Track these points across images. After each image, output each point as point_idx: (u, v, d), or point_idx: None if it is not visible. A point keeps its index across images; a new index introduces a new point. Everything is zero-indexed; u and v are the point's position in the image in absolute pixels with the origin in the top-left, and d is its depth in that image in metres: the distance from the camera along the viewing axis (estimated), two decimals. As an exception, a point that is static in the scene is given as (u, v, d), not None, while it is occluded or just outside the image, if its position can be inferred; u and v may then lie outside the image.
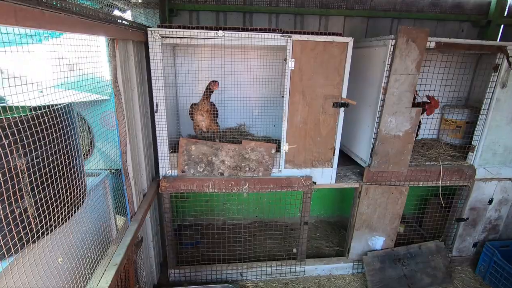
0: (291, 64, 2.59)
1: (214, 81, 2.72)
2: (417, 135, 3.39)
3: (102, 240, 1.95)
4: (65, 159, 1.45)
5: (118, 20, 1.98)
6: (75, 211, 1.59)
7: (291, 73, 2.62)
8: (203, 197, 3.81)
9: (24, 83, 1.17)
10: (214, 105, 2.85)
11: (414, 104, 2.85)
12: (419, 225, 4.11)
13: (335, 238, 4.08)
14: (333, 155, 2.94)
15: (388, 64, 2.67)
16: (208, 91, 2.74)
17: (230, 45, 2.92)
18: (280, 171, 2.94)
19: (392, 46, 2.62)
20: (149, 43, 2.44)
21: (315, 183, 3.00)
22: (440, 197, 3.25)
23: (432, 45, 2.69)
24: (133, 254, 2.32)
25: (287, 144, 2.85)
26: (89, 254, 1.74)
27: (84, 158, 2.40)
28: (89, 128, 2.38)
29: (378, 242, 3.34)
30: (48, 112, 1.32)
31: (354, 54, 2.73)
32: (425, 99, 3.17)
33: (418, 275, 3.26)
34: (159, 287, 3.04)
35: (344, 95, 2.75)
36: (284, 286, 3.26)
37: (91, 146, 2.45)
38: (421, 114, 3.13)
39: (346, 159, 3.54)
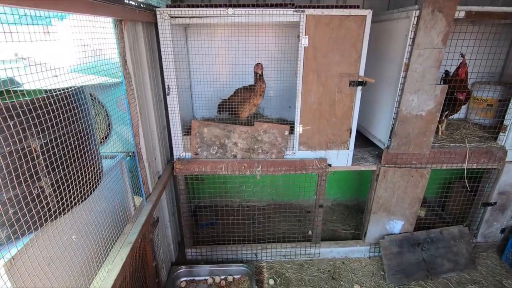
0: (304, 41, 2.46)
1: (257, 64, 2.73)
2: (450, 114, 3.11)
3: (119, 220, 2.02)
4: (77, 140, 1.49)
5: (125, 0, 1.95)
6: (91, 192, 1.65)
7: (305, 51, 2.50)
8: (217, 179, 3.86)
9: (38, 66, 1.19)
10: None
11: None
12: (441, 209, 3.93)
13: (352, 222, 4.02)
14: (349, 136, 2.83)
15: (410, 38, 2.47)
16: (257, 74, 2.75)
17: (243, 24, 2.82)
18: (294, 153, 2.89)
19: (416, 18, 2.40)
20: (158, 24, 2.40)
21: (330, 165, 2.92)
22: (465, 180, 3.07)
23: (462, 14, 2.44)
24: (149, 233, 2.40)
25: (301, 125, 2.77)
26: (106, 232, 1.82)
27: (103, 141, 2.47)
28: (106, 112, 2.42)
29: (397, 226, 3.24)
30: (61, 95, 1.34)
31: (373, 28, 2.54)
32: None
33: (438, 260, 3.15)
34: (177, 265, 3.17)
35: (361, 73, 2.59)
36: (299, 267, 3.28)
37: (109, 130, 2.50)
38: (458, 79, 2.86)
39: (364, 141, 3.40)
